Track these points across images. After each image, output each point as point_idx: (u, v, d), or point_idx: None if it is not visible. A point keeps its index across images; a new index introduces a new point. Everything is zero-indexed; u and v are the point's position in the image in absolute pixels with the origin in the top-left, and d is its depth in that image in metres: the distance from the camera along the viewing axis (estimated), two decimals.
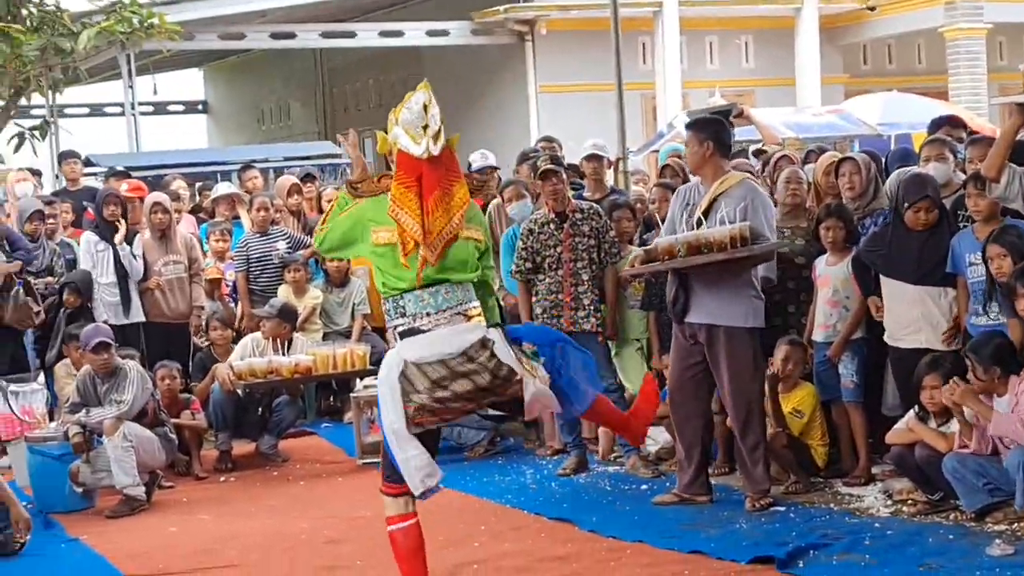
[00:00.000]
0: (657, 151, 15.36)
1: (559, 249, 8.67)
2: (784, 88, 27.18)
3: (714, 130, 7.63)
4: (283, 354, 9.94)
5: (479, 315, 5.61)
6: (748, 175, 7.66)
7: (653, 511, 7.65)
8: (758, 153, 11.37)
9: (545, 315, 8.68)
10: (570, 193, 9.06)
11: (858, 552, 6.46)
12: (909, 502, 7.30)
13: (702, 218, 7.43)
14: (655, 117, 26.49)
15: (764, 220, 7.39)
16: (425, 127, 5.44)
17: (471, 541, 7.21)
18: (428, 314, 5.51)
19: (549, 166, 8.84)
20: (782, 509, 7.45)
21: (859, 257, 7.82)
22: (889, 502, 7.43)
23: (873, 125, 18.67)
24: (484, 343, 5.51)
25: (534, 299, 8.77)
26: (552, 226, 8.71)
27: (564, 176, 8.91)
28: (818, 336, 8.08)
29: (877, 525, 6.98)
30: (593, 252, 8.69)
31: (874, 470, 7.93)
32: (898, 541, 6.62)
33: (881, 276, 7.69)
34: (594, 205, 9.02)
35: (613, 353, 9.10)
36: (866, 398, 7.92)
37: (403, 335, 5.54)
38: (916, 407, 7.23)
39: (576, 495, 8.23)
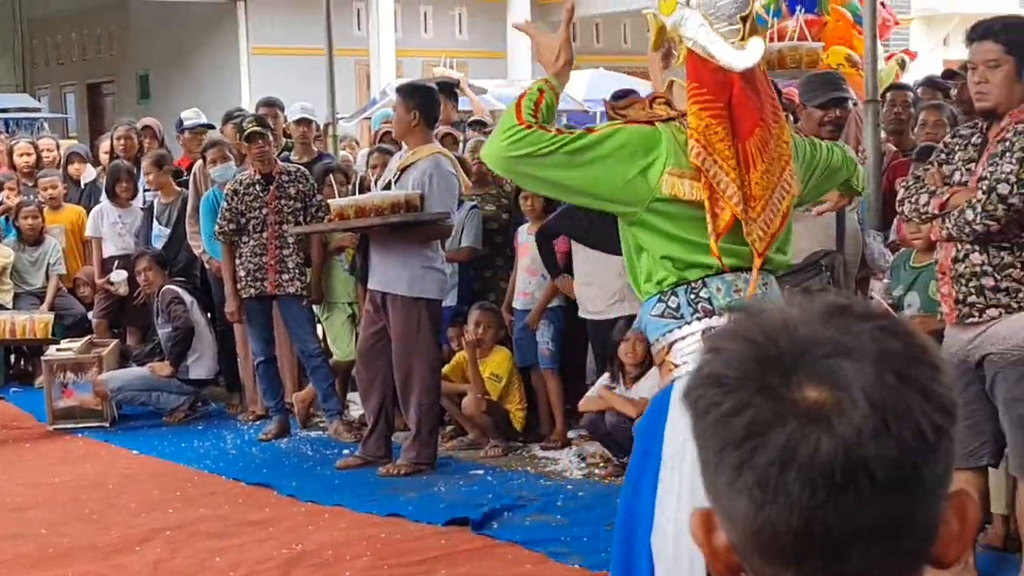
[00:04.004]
0: (369, 118, 15.35)
1: (264, 211, 8.57)
2: (497, 60, 27.54)
3: (423, 99, 7.67)
4: None
5: None
6: (441, 151, 7.74)
7: (354, 476, 7.66)
8: (476, 124, 11.45)
9: (249, 278, 8.57)
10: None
11: (550, 513, 6.64)
12: (601, 465, 7.54)
13: (394, 184, 7.54)
14: (369, 84, 26.45)
15: (437, 194, 7.45)
16: (745, 18, 3.51)
17: (165, 507, 7.07)
18: None
19: (255, 128, 8.71)
20: (480, 472, 7.57)
21: (551, 229, 7.86)
22: (583, 465, 7.65)
23: (580, 101, 19.10)
24: None
25: (238, 261, 8.64)
26: (258, 187, 8.59)
27: (270, 138, 8.81)
28: (518, 303, 8.23)
29: (570, 487, 7.18)
30: (299, 215, 8.62)
31: (570, 434, 8.15)
32: (588, 502, 6.83)
33: (578, 255, 7.84)
34: (301, 168, 8.95)
35: (323, 317, 9.08)
36: (563, 364, 8.12)
37: None
38: (608, 375, 7.45)
39: (277, 460, 8.17)
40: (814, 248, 6.05)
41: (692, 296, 3.53)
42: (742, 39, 3.47)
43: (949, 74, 8.08)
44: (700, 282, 3.53)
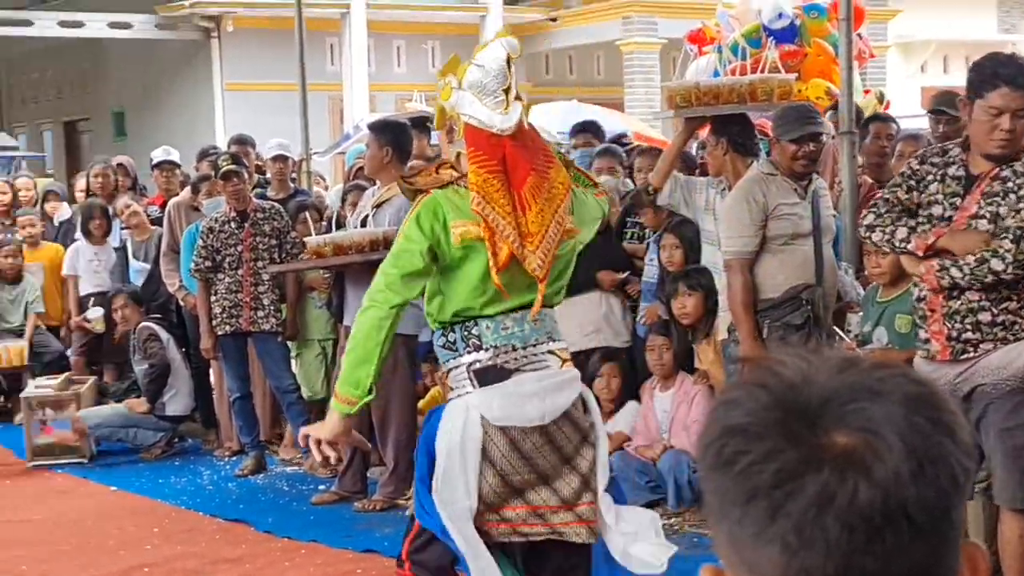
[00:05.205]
0: (343, 153, 15.41)
1: (239, 248, 8.62)
2: None
3: (395, 135, 7.73)
4: None
5: (569, 358, 4.30)
6: None
7: (330, 512, 7.69)
8: None
9: (224, 315, 8.61)
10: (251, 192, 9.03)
11: None
12: None
13: (370, 221, 7.58)
14: (342, 119, 26.50)
15: None
16: (507, 90, 4.13)
17: (143, 544, 7.09)
18: (513, 348, 4.11)
19: (230, 167, 8.76)
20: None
21: None
22: None
23: (553, 133, 19.11)
24: (585, 403, 4.24)
25: (213, 298, 8.68)
26: (233, 225, 8.64)
27: (245, 176, 8.86)
28: None
29: None
30: (274, 252, 8.67)
31: None
32: None
33: None
34: (276, 205, 9.01)
35: (294, 354, 9.11)
36: None
37: (481, 376, 4.09)
38: None
39: (253, 496, 8.19)
40: (793, 282, 6.09)
41: (465, 333, 4.13)
42: (506, 108, 4.11)
43: (938, 109, 7.80)
44: (473, 321, 4.13)
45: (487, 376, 4.07)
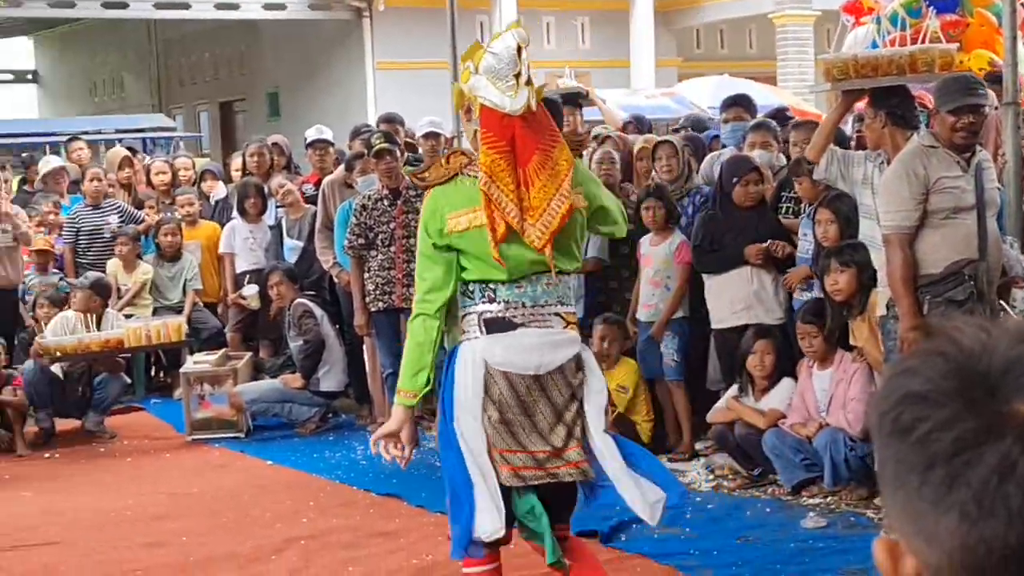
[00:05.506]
0: None
1: (392, 226, 8.69)
2: (619, 70, 27.49)
3: None
4: (94, 330, 9.74)
5: (576, 323, 4.70)
6: None
7: None
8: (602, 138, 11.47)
9: (377, 291, 8.69)
10: (404, 170, 9.09)
11: (678, 526, 6.59)
12: (730, 477, 7.50)
13: None
14: None
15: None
16: (518, 75, 4.48)
17: (299, 517, 7.20)
18: (524, 305, 4.53)
19: (383, 145, 8.83)
20: (608, 484, 7.56)
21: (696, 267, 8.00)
22: (711, 477, 7.61)
23: (704, 108, 18.95)
24: (579, 363, 4.58)
25: (366, 275, 8.77)
26: (385, 202, 8.71)
27: (397, 154, 8.92)
28: (641, 315, 8.22)
29: (698, 499, 7.14)
30: None
31: (698, 446, 8.11)
32: (718, 515, 6.80)
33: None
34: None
35: (445, 330, 9.15)
36: (688, 376, 8.09)
37: (489, 325, 4.51)
38: (736, 386, 7.43)
39: (406, 471, 8.23)
40: (955, 257, 5.95)
41: (481, 288, 4.53)
42: (516, 91, 4.47)
43: None
44: (490, 280, 4.54)
45: (495, 326, 4.50)
